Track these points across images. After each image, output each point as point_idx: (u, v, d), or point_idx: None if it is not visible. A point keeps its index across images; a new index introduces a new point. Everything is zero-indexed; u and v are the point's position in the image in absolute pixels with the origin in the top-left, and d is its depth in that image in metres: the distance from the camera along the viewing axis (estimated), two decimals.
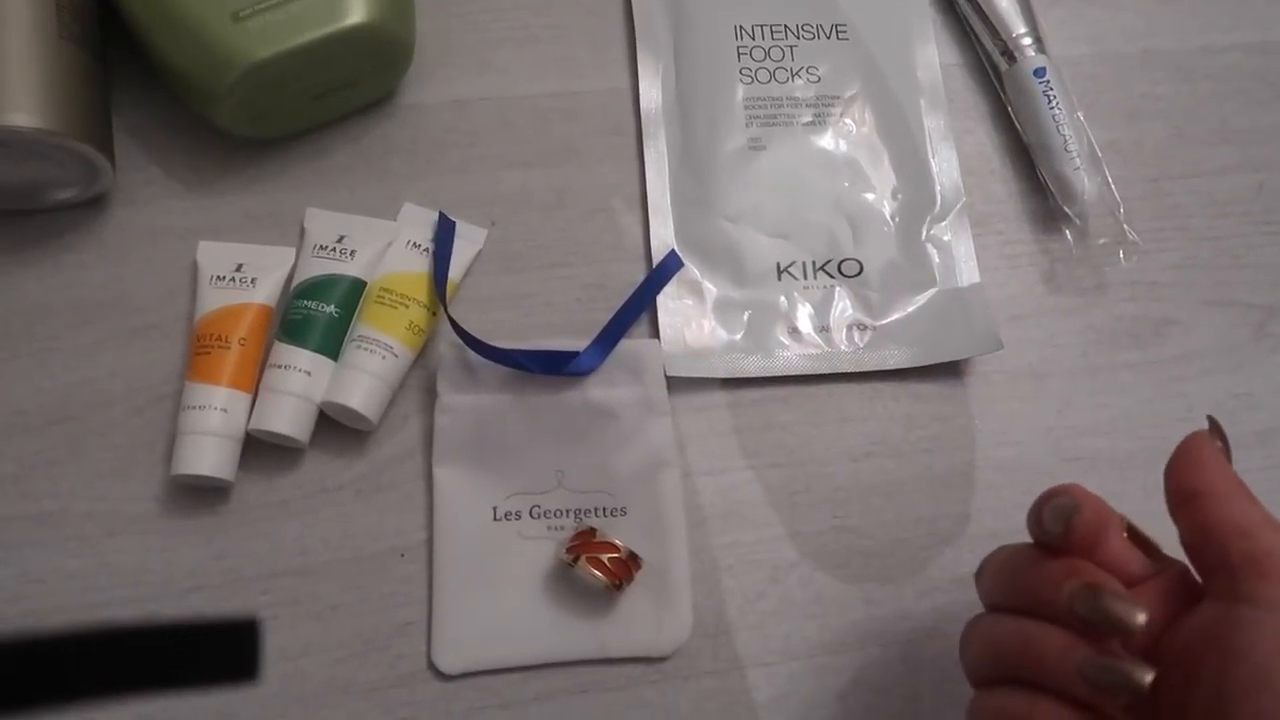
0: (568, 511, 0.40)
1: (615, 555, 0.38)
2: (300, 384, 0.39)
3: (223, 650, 0.23)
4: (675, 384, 0.43)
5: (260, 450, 0.40)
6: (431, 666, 0.38)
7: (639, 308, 0.43)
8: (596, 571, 0.37)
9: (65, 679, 0.21)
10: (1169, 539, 0.31)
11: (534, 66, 0.48)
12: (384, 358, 0.40)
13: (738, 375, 0.43)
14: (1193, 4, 0.53)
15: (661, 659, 0.39)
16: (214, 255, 0.42)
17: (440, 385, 0.41)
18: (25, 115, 0.38)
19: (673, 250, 0.44)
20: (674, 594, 0.40)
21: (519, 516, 0.40)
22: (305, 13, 0.40)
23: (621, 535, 0.39)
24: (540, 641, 0.39)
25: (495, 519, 0.40)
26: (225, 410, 0.39)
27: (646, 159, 0.47)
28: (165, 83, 0.43)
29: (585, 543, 0.38)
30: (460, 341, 0.41)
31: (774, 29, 0.48)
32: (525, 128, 0.47)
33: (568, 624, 0.39)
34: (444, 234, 0.43)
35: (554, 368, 0.41)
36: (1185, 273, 0.47)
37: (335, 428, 0.41)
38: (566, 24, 0.49)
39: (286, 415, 0.39)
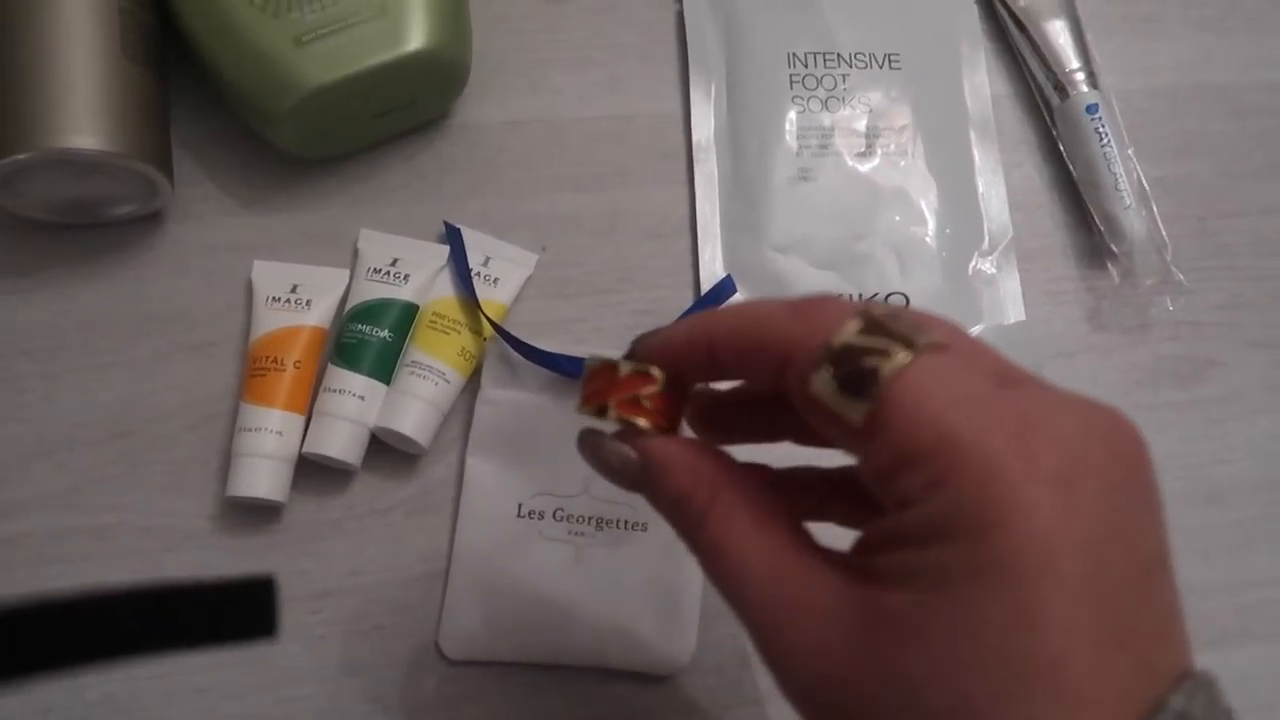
0: (590, 519, 0.41)
1: (652, 389, 0.27)
2: (353, 408, 0.40)
3: (241, 608, 0.23)
4: None
5: (312, 471, 0.41)
6: (437, 649, 0.39)
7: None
8: (640, 419, 0.27)
9: (86, 639, 0.22)
10: None
11: (587, 88, 0.48)
12: (436, 384, 0.41)
13: None
14: (1247, 37, 0.52)
15: (660, 678, 0.40)
16: (269, 275, 0.43)
17: (484, 379, 0.42)
18: (89, 137, 0.38)
19: (728, 275, 0.45)
20: (682, 617, 0.40)
21: (542, 516, 0.41)
22: (366, 38, 0.40)
23: (639, 551, 0.40)
24: (545, 642, 0.40)
25: (519, 515, 0.41)
26: (280, 433, 0.40)
27: (697, 184, 0.47)
28: (226, 102, 0.44)
29: (610, 383, 0.28)
30: (504, 338, 0.42)
31: (827, 57, 0.48)
32: (577, 149, 0.47)
33: (575, 630, 0.40)
34: (454, 240, 0.44)
35: None
36: (1230, 313, 0.47)
37: (386, 449, 0.41)
38: (619, 46, 0.49)
39: (340, 440, 0.40)
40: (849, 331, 0.23)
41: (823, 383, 0.22)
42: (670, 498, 0.26)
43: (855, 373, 0.22)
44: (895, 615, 0.22)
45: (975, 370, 0.23)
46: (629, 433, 0.27)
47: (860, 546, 0.25)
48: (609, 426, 0.28)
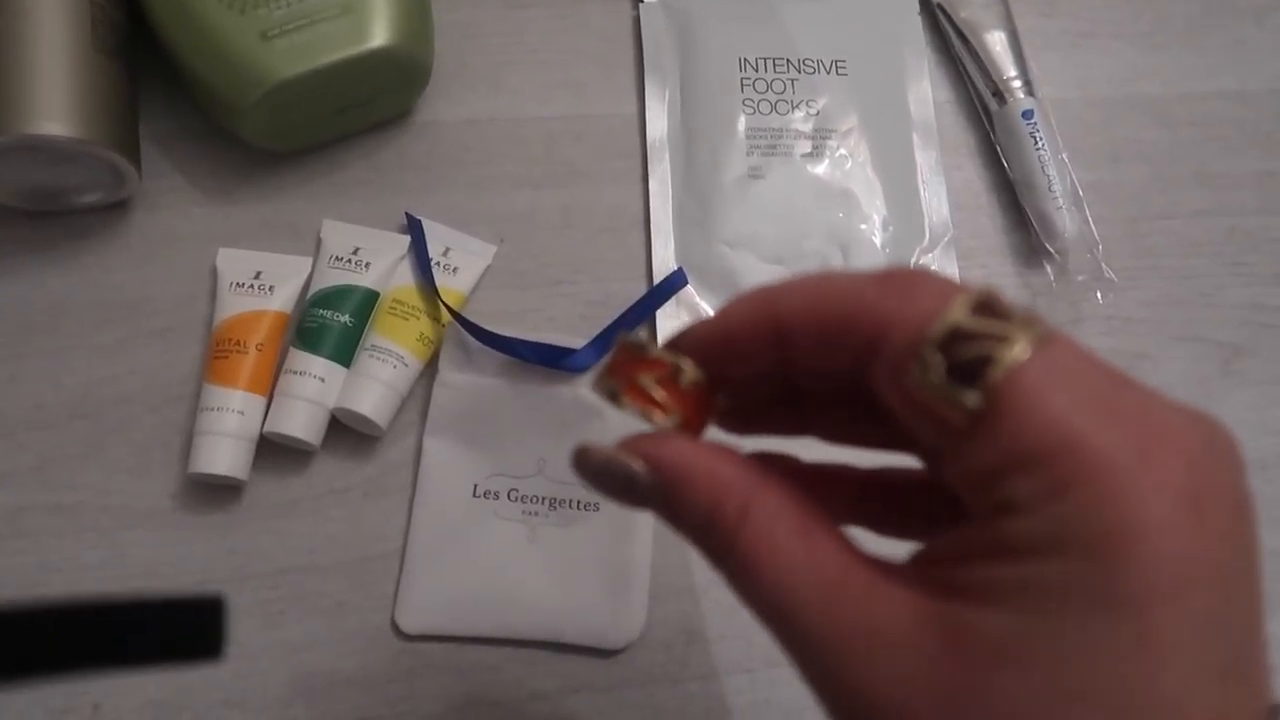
0: (543, 499, 0.42)
1: (671, 375, 0.24)
2: (314, 389, 0.41)
3: (188, 627, 0.22)
4: None
5: (273, 451, 0.42)
6: (393, 624, 0.40)
7: (639, 317, 0.45)
8: (653, 412, 0.23)
9: (22, 653, 0.21)
10: None
11: (545, 90, 0.50)
12: (395, 367, 0.42)
13: None
14: (1177, 52, 0.55)
15: (613, 652, 0.41)
16: (234, 262, 0.44)
17: (442, 362, 0.43)
18: (58, 124, 0.40)
19: (680, 268, 0.46)
20: (632, 593, 0.41)
21: (497, 497, 0.42)
22: (330, 34, 0.42)
23: (591, 531, 0.41)
24: (499, 618, 0.41)
25: (475, 495, 0.42)
26: (242, 413, 0.41)
27: (651, 183, 0.49)
28: (192, 95, 0.45)
29: (628, 363, 0.24)
30: (461, 324, 0.43)
31: (777, 62, 0.50)
32: (535, 148, 0.49)
33: (527, 605, 0.41)
34: (415, 230, 0.45)
35: (549, 360, 0.43)
36: (1158, 310, 0.50)
37: (345, 432, 0.43)
38: (577, 50, 0.51)
39: (300, 419, 0.41)
40: (959, 312, 0.19)
41: (926, 370, 0.19)
42: (692, 516, 0.22)
43: (967, 360, 0.19)
44: (992, 638, 0.19)
45: (1092, 366, 0.20)
46: (635, 438, 0.23)
47: (931, 558, 0.22)
48: (631, 412, 0.23)
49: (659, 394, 0.23)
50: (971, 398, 0.19)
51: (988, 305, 0.19)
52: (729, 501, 0.22)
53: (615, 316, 0.45)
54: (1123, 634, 0.18)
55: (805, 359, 0.22)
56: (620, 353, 0.24)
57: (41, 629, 0.21)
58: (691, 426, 0.24)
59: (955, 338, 0.19)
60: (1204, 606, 0.18)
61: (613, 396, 0.24)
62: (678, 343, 0.24)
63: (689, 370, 0.23)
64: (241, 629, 0.40)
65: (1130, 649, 0.18)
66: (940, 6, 0.53)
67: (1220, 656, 0.18)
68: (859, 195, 0.49)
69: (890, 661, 0.20)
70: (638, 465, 0.22)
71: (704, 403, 0.24)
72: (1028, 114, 0.49)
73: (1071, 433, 0.18)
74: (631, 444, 0.23)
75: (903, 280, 0.21)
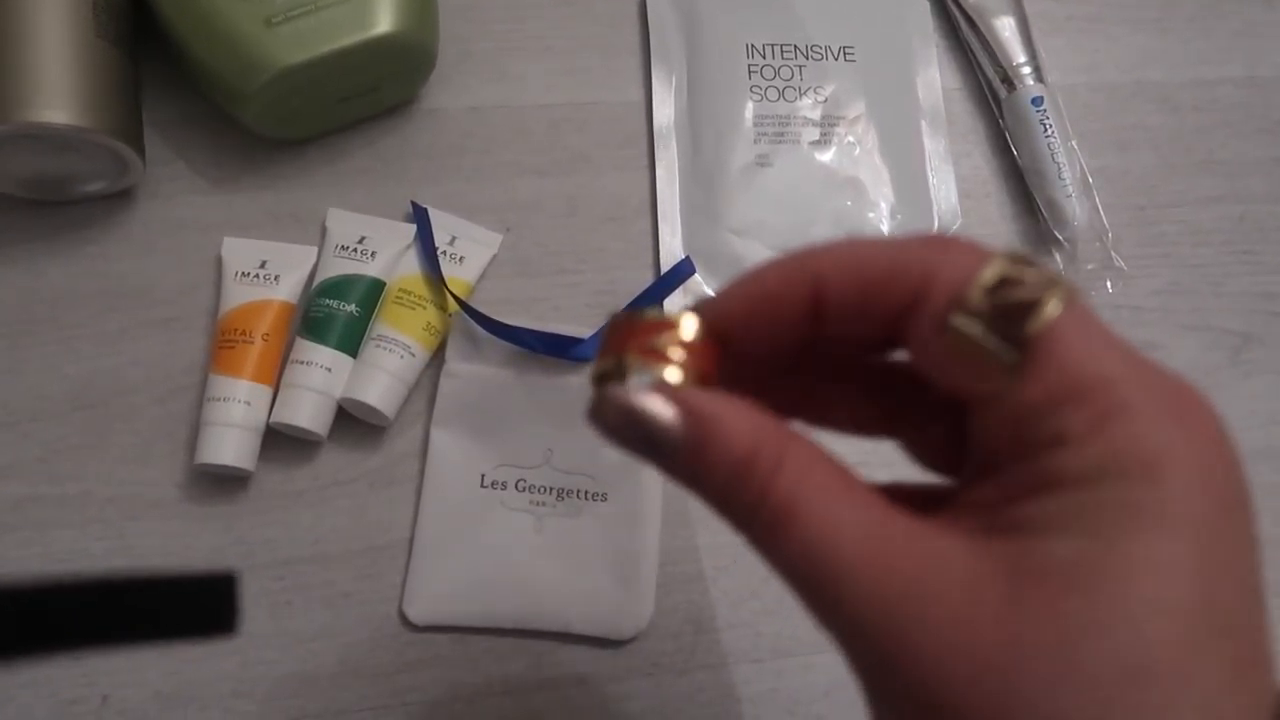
0: (550, 489, 0.42)
1: (684, 335, 0.23)
2: (320, 380, 0.41)
3: (201, 603, 0.22)
4: None
5: (279, 441, 0.42)
6: (401, 615, 0.40)
7: (646, 305, 0.45)
8: (670, 369, 0.22)
9: (38, 629, 0.21)
10: None
11: (550, 77, 0.50)
12: (402, 357, 0.42)
13: None
14: (1185, 38, 0.55)
15: (621, 642, 0.41)
16: (239, 251, 0.44)
17: (449, 352, 0.43)
18: (61, 112, 0.39)
19: (687, 256, 0.46)
20: (641, 583, 0.41)
21: (504, 487, 0.42)
22: (335, 21, 0.42)
23: (599, 521, 0.41)
24: (507, 608, 0.41)
25: (482, 485, 0.42)
26: (248, 403, 0.40)
27: (658, 170, 0.48)
28: (196, 82, 0.44)
29: (630, 332, 0.23)
30: (468, 313, 0.43)
31: (784, 49, 0.50)
32: (540, 136, 0.49)
33: (536, 596, 0.41)
34: (421, 219, 0.45)
35: (557, 350, 0.43)
36: (1167, 298, 0.49)
37: (352, 422, 0.42)
38: (583, 36, 0.50)
39: (307, 410, 0.41)
40: (1001, 265, 0.20)
41: (974, 317, 0.20)
42: (726, 462, 0.21)
43: (1011, 307, 0.20)
44: (1060, 565, 0.19)
45: (1108, 326, 0.21)
46: (657, 389, 0.22)
47: (971, 503, 0.21)
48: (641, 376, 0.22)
49: (675, 351, 0.22)
50: (1019, 339, 0.20)
51: (1023, 263, 0.20)
52: (763, 450, 0.21)
53: (623, 305, 0.45)
54: (1188, 549, 0.19)
55: (841, 321, 0.22)
56: (616, 327, 0.23)
57: (58, 605, 0.21)
58: (708, 383, 0.22)
59: (999, 287, 0.20)
60: (1236, 531, 0.19)
61: (617, 370, 0.22)
62: (711, 307, 0.23)
63: (695, 325, 0.22)
64: (249, 619, 0.40)
65: (1195, 563, 0.18)
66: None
67: (1256, 577, 0.20)
68: (867, 183, 0.48)
69: (957, 605, 0.19)
70: (668, 412, 0.21)
71: (715, 358, 0.23)
72: (1037, 101, 0.49)
73: (1113, 368, 0.20)
74: (658, 392, 0.21)
75: (940, 240, 0.21)
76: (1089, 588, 0.18)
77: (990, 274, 0.20)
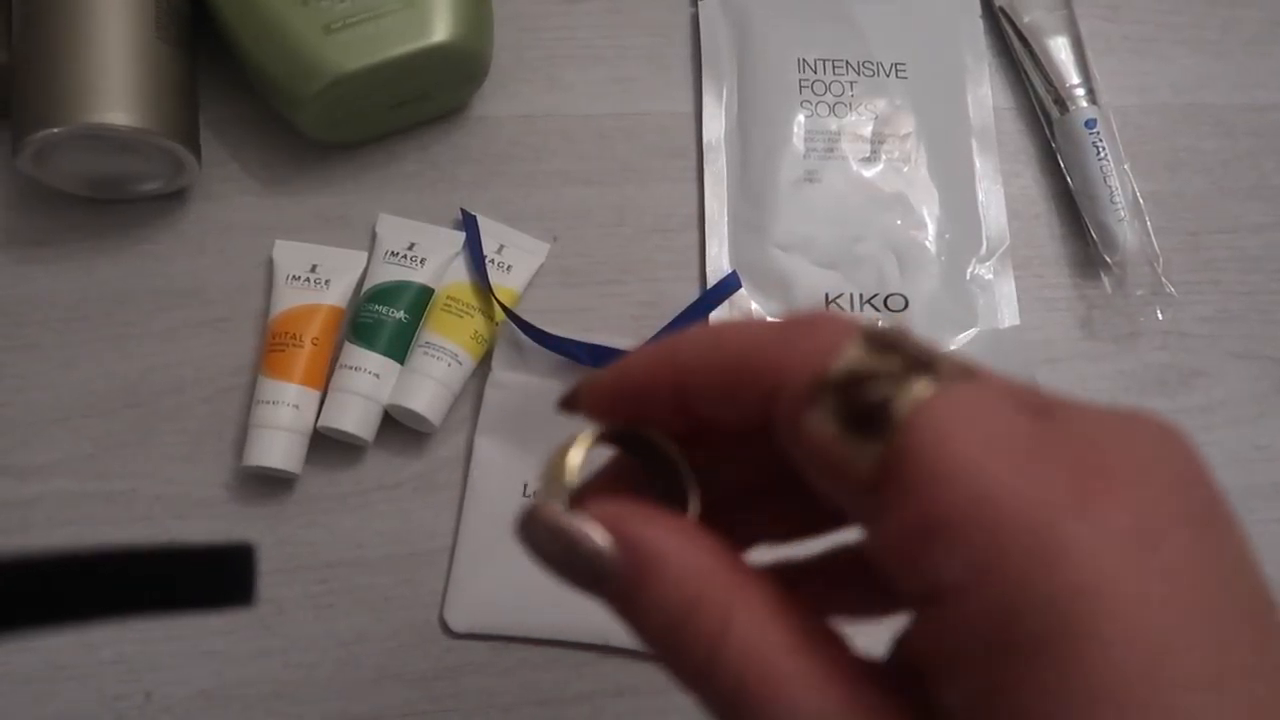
0: None
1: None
2: (368, 385, 0.41)
3: (219, 574, 0.22)
4: None
5: (325, 445, 0.42)
6: (441, 621, 0.41)
7: (693, 319, 0.45)
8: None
9: (59, 599, 0.21)
10: None
11: (600, 86, 0.50)
12: (449, 365, 0.42)
13: None
14: (1240, 61, 0.54)
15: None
16: (290, 254, 0.44)
17: (495, 361, 0.43)
18: (122, 114, 0.40)
19: (734, 271, 0.46)
20: None
21: None
22: (392, 29, 0.42)
23: None
24: (546, 618, 0.41)
25: (525, 495, 0.42)
26: (296, 406, 0.41)
27: (706, 182, 0.48)
28: (253, 85, 0.45)
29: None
30: (515, 323, 0.43)
31: (835, 64, 0.50)
32: (589, 145, 0.49)
33: (574, 607, 0.40)
34: (470, 226, 0.45)
35: (603, 361, 0.43)
36: (1216, 325, 0.49)
37: (396, 427, 0.43)
38: (634, 46, 0.50)
39: (354, 415, 0.41)
40: (853, 353, 0.17)
41: (820, 419, 0.17)
42: (668, 608, 0.18)
43: (863, 406, 0.17)
44: None
45: (1007, 399, 0.17)
46: (596, 504, 0.19)
47: (901, 653, 0.19)
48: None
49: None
50: (867, 449, 0.16)
51: (888, 343, 0.17)
52: (714, 592, 0.18)
53: (668, 318, 0.45)
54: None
55: (707, 411, 0.20)
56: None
57: (78, 574, 0.21)
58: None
59: (851, 381, 0.17)
60: (1197, 672, 0.15)
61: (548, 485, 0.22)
62: (577, 394, 0.22)
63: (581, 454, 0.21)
64: (291, 621, 0.40)
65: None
66: (1003, 10, 0.52)
67: (1234, 709, 0.15)
68: (915, 201, 0.48)
69: None
70: (600, 543, 0.18)
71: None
72: (1090, 123, 0.49)
73: (988, 484, 0.16)
74: (594, 512, 0.19)
75: (801, 323, 0.18)
76: None
77: (840, 366, 0.17)
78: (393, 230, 0.45)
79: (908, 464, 0.16)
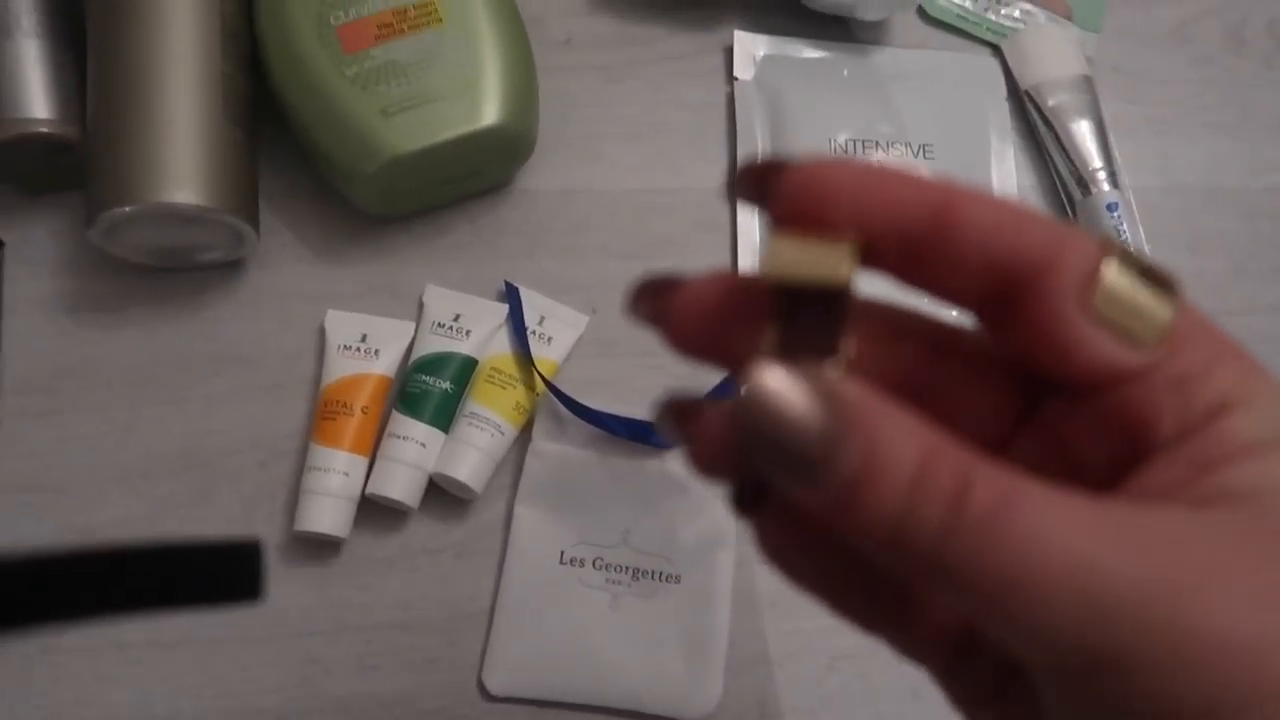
0: (626, 569, 0.44)
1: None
2: (414, 454, 0.43)
3: (227, 570, 0.23)
4: None
5: (372, 509, 0.44)
6: (480, 684, 0.42)
7: (725, 393, 0.47)
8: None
9: (71, 596, 0.21)
10: None
11: (638, 162, 0.52)
12: (492, 435, 0.44)
13: None
14: (1260, 145, 0.56)
15: None
16: (341, 324, 0.46)
17: (535, 431, 0.45)
18: (190, 193, 0.42)
19: None
20: (710, 664, 0.43)
21: (583, 564, 0.44)
22: (446, 113, 0.44)
23: (672, 602, 0.43)
24: (581, 683, 0.42)
25: (561, 562, 0.44)
26: (346, 474, 0.43)
27: (740, 258, 0.50)
28: (310, 161, 0.47)
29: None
30: (556, 396, 0.45)
31: (866, 144, 0.52)
32: (627, 219, 0.51)
33: (609, 673, 0.42)
34: (513, 299, 0.47)
35: (639, 436, 0.44)
36: None
37: (440, 493, 0.44)
38: (672, 124, 0.52)
39: (401, 483, 0.43)
40: (1120, 246, 0.19)
41: (1111, 290, 0.19)
42: (902, 478, 0.17)
43: (1154, 272, 0.19)
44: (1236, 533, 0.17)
45: None
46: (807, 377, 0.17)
47: (1156, 483, 0.19)
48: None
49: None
50: (1161, 312, 0.19)
51: (1132, 252, 0.20)
52: (942, 453, 0.17)
53: (701, 391, 0.47)
54: None
55: (954, 259, 0.19)
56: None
57: (90, 572, 0.22)
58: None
59: (1128, 262, 0.19)
60: None
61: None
62: (812, 178, 0.19)
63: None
64: (335, 679, 0.42)
65: None
66: (1028, 93, 0.54)
67: None
68: None
69: (1214, 587, 0.17)
70: (822, 420, 0.16)
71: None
72: (1112, 206, 0.50)
73: (1236, 345, 0.19)
74: (805, 383, 0.17)
75: (1069, 227, 0.20)
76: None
77: (1118, 250, 0.19)
78: (439, 301, 0.47)
79: (1191, 327, 0.19)
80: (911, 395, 0.20)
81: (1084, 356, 0.19)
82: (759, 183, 0.20)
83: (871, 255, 0.19)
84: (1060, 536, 0.16)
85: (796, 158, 0.19)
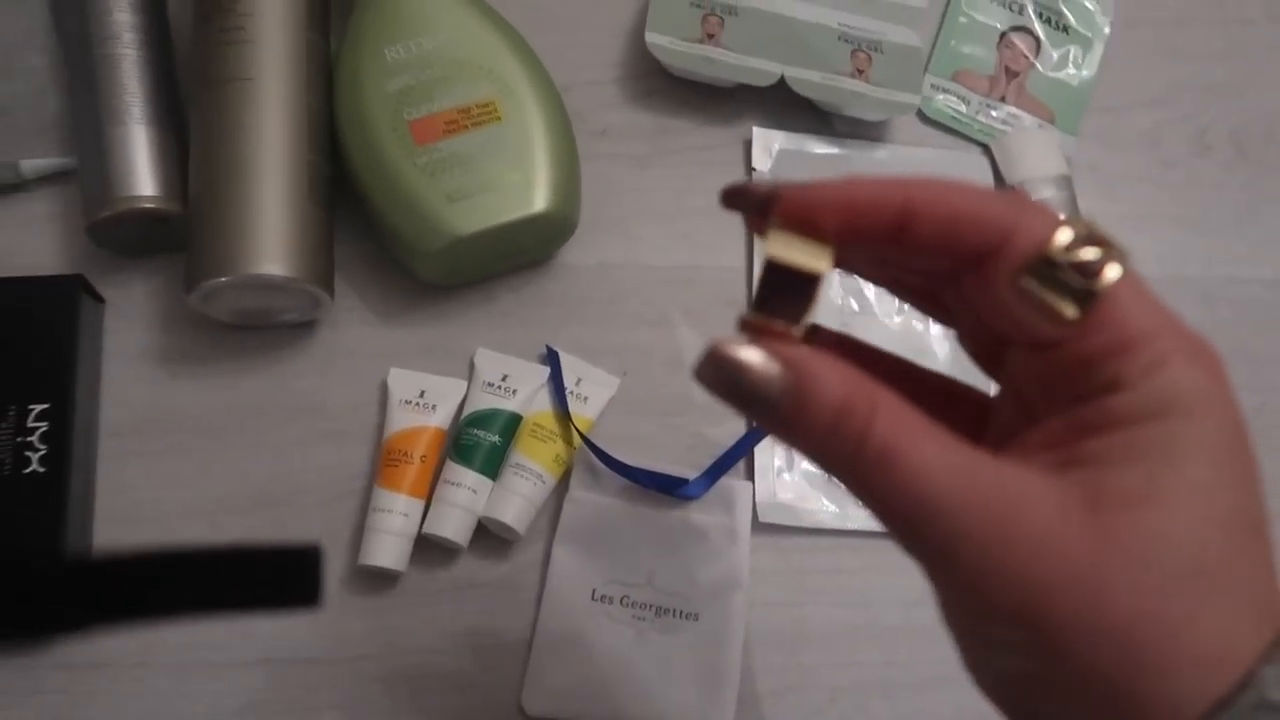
0: (650, 607, 0.49)
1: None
2: (466, 499, 0.49)
3: (287, 575, 0.23)
4: (761, 524, 0.52)
5: (426, 546, 0.49)
6: (518, 706, 0.47)
7: (739, 454, 0.52)
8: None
9: (138, 595, 0.22)
10: None
11: (666, 241, 0.58)
12: (534, 484, 0.49)
13: (817, 526, 0.52)
14: (1220, 240, 0.62)
15: None
16: (402, 381, 0.52)
17: (573, 481, 0.51)
18: (279, 265, 0.48)
19: None
20: (722, 696, 0.48)
21: (611, 601, 0.49)
22: (504, 200, 0.50)
23: (690, 638, 0.48)
24: (610, 709, 0.47)
25: (592, 599, 0.49)
26: (405, 515, 0.48)
27: None
28: (379, 236, 0.53)
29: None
30: (592, 450, 0.51)
31: None
32: (655, 292, 0.57)
33: (632, 702, 0.48)
34: (554, 362, 0.53)
35: (665, 488, 0.50)
36: None
37: (486, 534, 0.50)
38: (696, 208, 0.59)
39: (454, 524, 0.48)
40: (1074, 229, 0.23)
41: (1045, 272, 0.23)
42: (826, 413, 0.23)
43: (1082, 265, 0.23)
44: (1129, 490, 0.22)
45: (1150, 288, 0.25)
46: (755, 344, 0.24)
47: (1036, 443, 0.24)
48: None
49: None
50: (1084, 295, 0.23)
51: (1090, 229, 0.23)
52: (857, 399, 0.23)
53: (719, 450, 0.53)
54: (1233, 470, 0.23)
55: (915, 249, 0.25)
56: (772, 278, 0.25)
57: (155, 574, 0.22)
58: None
59: (1069, 248, 0.23)
60: (1248, 453, 0.24)
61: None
62: (800, 196, 0.25)
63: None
64: (389, 698, 0.47)
65: (1240, 480, 0.23)
66: (1015, 188, 0.60)
67: (1260, 492, 0.24)
68: (937, 352, 0.56)
69: (1042, 528, 0.22)
70: (774, 369, 0.23)
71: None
72: None
73: (1156, 324, 0.23)
74: (760, 348, 0.23)
75: (1020, 200, 0.25)
76: (1155, 506, 0.22)
77: (1064, 236, 0.23)
78: (489, 363, 0.53)
79: (1115, 303, 0.23)
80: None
81: (1012, 327, 0.24)
82: (759, 204, 0.26)
83: (850, 247, 0.25)
84: (920, 475, 0.22)
85: (786, 186, 0.25)
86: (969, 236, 0.24)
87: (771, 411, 0.23)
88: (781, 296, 0.24)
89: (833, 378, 0.23)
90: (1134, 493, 0.22)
